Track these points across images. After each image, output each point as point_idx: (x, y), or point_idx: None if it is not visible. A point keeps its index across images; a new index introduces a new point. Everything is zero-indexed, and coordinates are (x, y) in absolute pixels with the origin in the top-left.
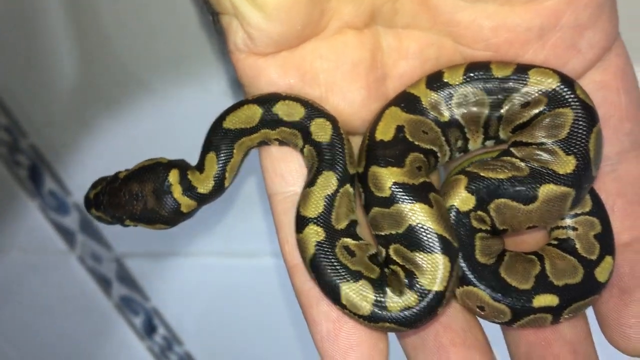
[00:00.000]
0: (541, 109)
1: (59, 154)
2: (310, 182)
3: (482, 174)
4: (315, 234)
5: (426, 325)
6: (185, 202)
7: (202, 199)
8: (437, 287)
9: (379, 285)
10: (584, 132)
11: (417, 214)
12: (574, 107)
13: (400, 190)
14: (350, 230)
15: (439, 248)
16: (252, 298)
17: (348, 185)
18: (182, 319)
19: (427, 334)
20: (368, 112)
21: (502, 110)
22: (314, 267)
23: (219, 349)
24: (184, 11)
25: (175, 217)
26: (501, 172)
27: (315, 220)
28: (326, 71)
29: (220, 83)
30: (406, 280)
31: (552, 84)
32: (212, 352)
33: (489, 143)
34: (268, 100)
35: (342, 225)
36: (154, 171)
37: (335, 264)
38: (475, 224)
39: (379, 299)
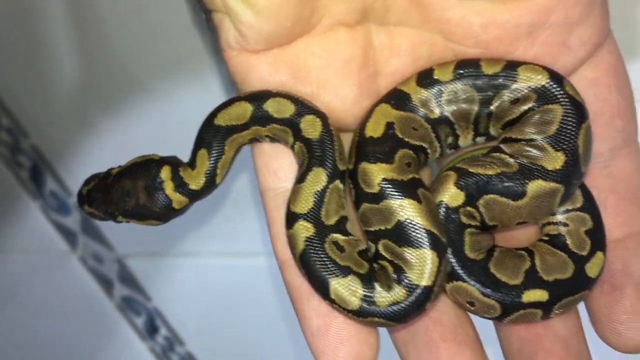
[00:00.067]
0: (530, 105)
1: (60, 154)
2: (300, 179)
3: (471, 170)
4: (304, 229)
5: (415, 320)
6: (177, 199)
7: (194, 196)
8: (425, 282)
9: (367, 280)
10: (573, 128)
11: (405, 210)
12: (563, 103)
13: (389, 186)
14: (340, 226)
15: (427, 243)
16: (254, 298)
17: (338, 182)
18: (183, 319)
19: (418, 330)
20: (360, 109)
21: (491, 107)
22: (304, 262)
23: (220, 349)
24: (184, 11)
25: (167, 213)
26: (490, 168)
27: (304, 216)
28: (318, 68)
29: (220, 83)
30: (395, 276)
31: (541, 80)
32: (213, 352)
33: (479, 139)
34: (258, 97)
35: (331, 221)
36: (146, 168)
37: (325, 259)
38: (464, 219)
39: (367, 294)
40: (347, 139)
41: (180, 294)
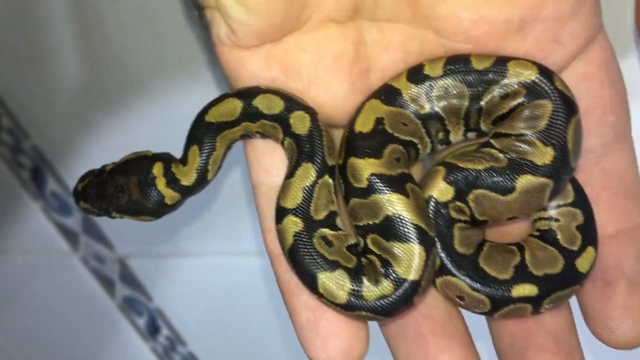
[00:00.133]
0: (520, 100)
1: (61, 155)
2: (290, 174)
3: (460, 165)
4: (293, 224)
5: (403, 314)
6: (169, 194)
7: (186, 191)
8: (412, 276)
9: (355, 274)
10: (563, 124)
11: (393, 205)
12: (552, 98)
13: (378, 181)
14: (329, 221)
15: (414, 238)
16: (256, 298)
17: (327, 177)
18: (185, 319)
19: (408, 324)
20: (351, 105)
21: (481, 102)
22: (292, 257)
23: (222, 349)
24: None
25: (160, 208)
26: (479, 163)
27: (293, 211)
28: (309, 64)
29: (221, 84)
30: (382, 270)
31: (530, 75)
32: (215, 352)
33: (470, 135)
34: (248, 93)
35: (320, 216)
36: (138, 164)
37: (313, 253)
38: (454, 214)
39: (355, 287)
40: (339, 135)
41: (182, 294)
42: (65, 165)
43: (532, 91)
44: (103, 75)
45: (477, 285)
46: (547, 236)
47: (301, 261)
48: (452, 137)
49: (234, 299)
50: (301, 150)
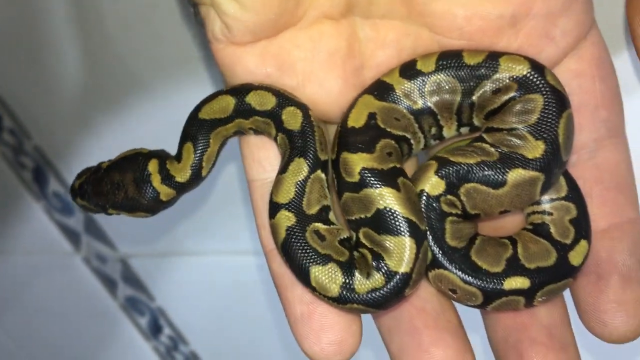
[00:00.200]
0: (512, 95)
1: (63, 155)
2: (282, 169)
3: (452, 159)
4: (286, 219)
5: (395, 306)
6: (165, 191)
7: (181, 188)
8: (403, 268)
9: (347, 268)
10: (554, 117)
11: (384, 198)
12: (544, 92)
13: (369, 175)
14: (322, 216)
15: (405, 231)
16: (258, 297)
17: (319, 171)
18: (187, 319)
19: (402, 317)
20: (345, 101)
21: (473, 97)
22: (285, 251)
23: (224, 348)
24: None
25: (155, 205)
26: (471, 157)
27: (286, 206)
28: (303, 60)
29: (221, 83)
30: (374, 263)
31: (522, 70)
32: (217, 351)
33: (463, 130)
34: (241, 90)
35: (313, 210)
36: (134, 161)
37: (305, 247)
38: (445, 208)
39: (347, 281)
40: (333, 131)
41: (184, 294)
42: (67, 165)
43: (523, 85)
44: (104, 75)
45: (469, 278)
46: (540, 230)
47: (294, 255)
48: (446, 132)
49: (236, 298)
50: (294, 146)
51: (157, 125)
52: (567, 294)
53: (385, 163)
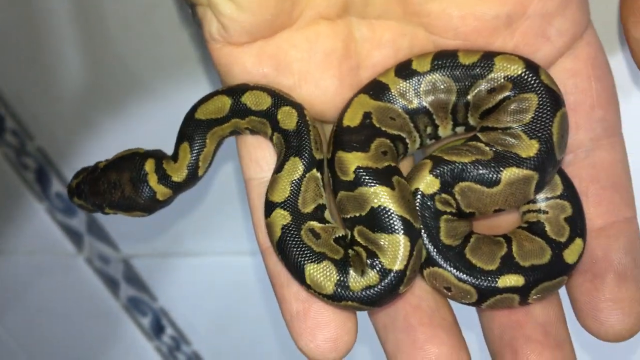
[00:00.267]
0: (507, 94)
1: (65, 156)
2: (278, 168)
3: (446, 158)
4: (281, 217)
5: (389, 303)
6: (161, 190)
7: (177, 188)
8: (397, 266)
9: (342, 265)
10: (548, 117)
11: (379, 197)
12: (538, 92)
13: (364, 173)
14: (317, 214)
15: (399, 229)
16: (260, 297)
17: (315, 170)
18: (190, 319)
19: (397, 315)
20: (342, 101)
21: (468, 97)
22: (280, 249)
23: (227, 348)
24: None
25: (152, 204)
26: (465, 156)
27: (282, 205)
28: (300, 60)
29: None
30: (368, 261)
31: (517, 69)
32: (220, 351)
33: (459, 129)
34: (236, 90)
35: (308, 209)
36: (131, 161)
37: (300, 245)
38: (440, 206)
39: (341, 278)
40: (329, 130)
41: (186, 294)
42: (69, 166)
43: (518, 85)
44: (105, 76)
45: (463, 276)
46: (535, 228)
47: (289, 253)
48: (441, 132)
49: (239, 298)
50: (289, 145)
51: (157, 125)
52: (563, 292)
53: (380, 162)
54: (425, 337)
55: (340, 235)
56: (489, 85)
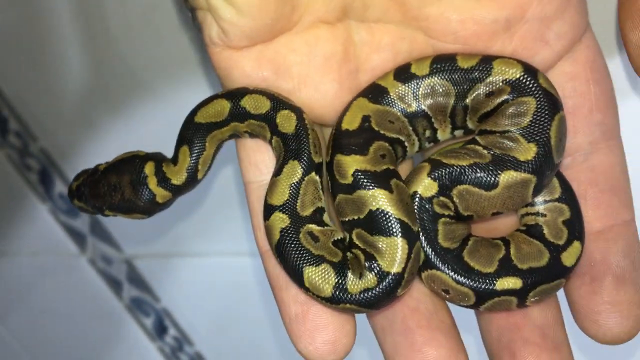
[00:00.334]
0: (505, 97)
1: (68, 157)
2: (277, 172)
3: (444, 161)
4: (280, 221)
5: (387, 306)
6: (161, 193)
7: (177, 190)
8: (395, 269)
9: (340, 268)
10: (546, 120)
11: (377, 199)
12: (536, 95)
13: (362, 177)
14: (316, 217)
15: (397, 231)
16: (262, 297)
17: (313, 174)
18: (192, 320)
19: (395, 317)
20: (341, 104)
21: (467, 100)
22: (279, 252)
23: (229, 348)
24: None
25: (152, 207)
26: (463, 159)
27: (280, 208)
28: (299, 64)
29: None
30: (366, 263)
31: (515, 73)
32: (222, 352)
33: (458, 133)
34: (236, 94)
35: (307, 212)
36: (131, 163)
37: (299, 248)
38: (438, 209)
39: (339, 281)
40: (329, 133)
41: (189, 294)
42: (72, 167)
43: (516, 88)
44: (107, 77)
45: (461, 279)
46: (533, 231)
47: (287, 256)
48: (440, 135)
49: (241, 298)
50: (288, 149)
51: (159, 126)
52: (561, 294)
53: (378, 165)
54: (423, 340)
55: (339, 238)
56: (487, 88)
